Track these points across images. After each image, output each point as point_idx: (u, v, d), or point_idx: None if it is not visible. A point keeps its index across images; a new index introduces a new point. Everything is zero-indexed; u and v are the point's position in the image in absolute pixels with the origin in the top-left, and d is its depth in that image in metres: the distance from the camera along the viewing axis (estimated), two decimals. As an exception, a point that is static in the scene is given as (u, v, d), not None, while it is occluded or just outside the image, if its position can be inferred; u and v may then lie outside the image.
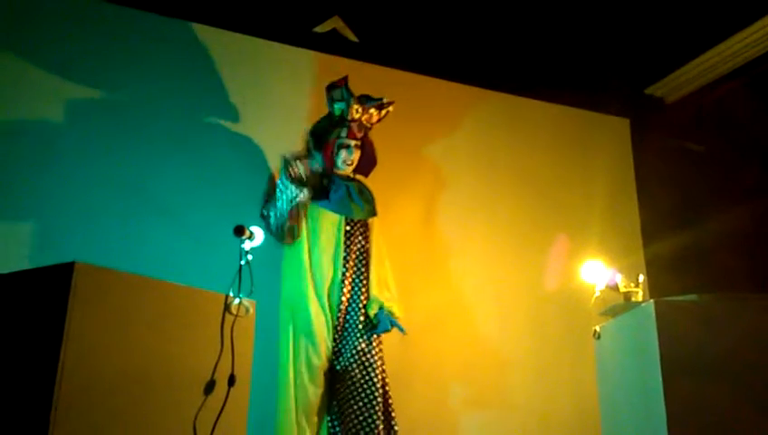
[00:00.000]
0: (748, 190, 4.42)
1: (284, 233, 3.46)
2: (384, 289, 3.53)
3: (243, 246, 2.56)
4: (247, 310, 2.50)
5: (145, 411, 2.20)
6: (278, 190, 3.47)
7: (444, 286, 4.23)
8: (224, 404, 2.34)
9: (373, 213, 3.64)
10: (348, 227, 3.55)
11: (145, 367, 2.23)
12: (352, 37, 4.38)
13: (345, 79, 3.65)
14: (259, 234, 2.61)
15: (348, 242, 3.53)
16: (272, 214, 3.49)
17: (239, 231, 2.56)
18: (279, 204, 3.45)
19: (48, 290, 2.11)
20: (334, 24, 4.32)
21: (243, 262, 2.53)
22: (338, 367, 3.40)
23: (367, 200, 3.65)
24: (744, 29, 4.40)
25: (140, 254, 3.52)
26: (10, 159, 3.58)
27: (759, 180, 4.40)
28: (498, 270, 4.42)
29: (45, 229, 3.52)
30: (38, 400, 1.98)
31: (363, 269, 3.54)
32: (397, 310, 3.52)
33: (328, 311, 3.42)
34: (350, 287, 3.48)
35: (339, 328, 3.42)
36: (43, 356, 2.02)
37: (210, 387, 2.34)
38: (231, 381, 2.39)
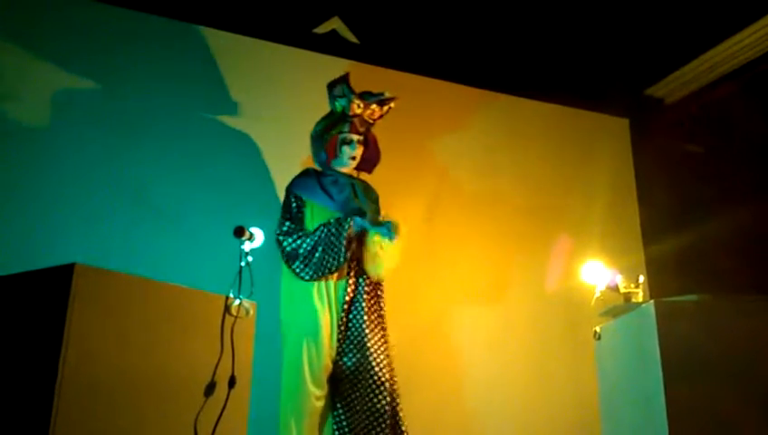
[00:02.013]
0: (748, 190, 4.42)
1: (327, 273, 3.35)
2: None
3: (243, 247, 2.56)
4: (247, 311, 2.50)
5: (145, 413, 2.20)
6: (328, 235, 3.34)
7: (445, 287, 4.23)
8: (224, 406, 2.34)
9: (377, 213, 3.60)
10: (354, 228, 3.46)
11: (145, 368, 2.23)
12: (353, 38, 4.38)
13: (346, 75, 3.63)
14: (259, 235, 2.60)
15: (354, 241, 3.45)
16: (320, 256, 3.32)
17: (239, 232, 2.56)
18: (330, 254, 3.31)
19: (48, 292, 2.10)
20: (334, 24, 4.32)
21: (243, 263, 2.53)
22: (343, 367, 3.32)
23: (372, 200, 3.63)
24: (743, 29, 4.40)
25: (140, 255, 3.52)
26: (10, 161, 3.59)
27: (759, 181, 4.40)
28: (499, 271, 4.42)
29: (45, 231, 3.52)
30: (39, 401, 1.98)
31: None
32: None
33: (334, 309, 3.36)
34: (353, 287, 3.43)
35: (343, 327, 3.36)
36: (44, 358, 2.02)
37: (211, 388, 2.34)
38: (231, 382, 2.38)
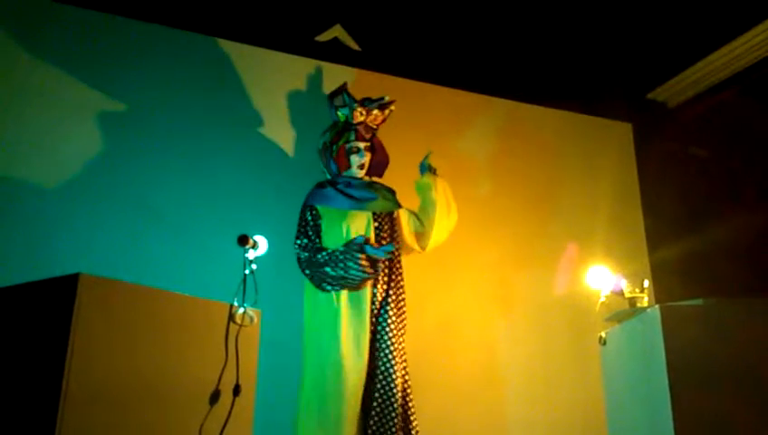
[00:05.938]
0: (752, 194, 4.41)
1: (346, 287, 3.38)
2: None
3: (247, 255, 2.56)
4: (252, 319, 2.50)
5: (150, 422, 2.20)
6: (341, 257, 3.35)
7: (450, 293, 4.22)
8: (229, 414, 2.34)
9: (398, 205, 3.64)
10: (376, 224, 3.52)
11: (150, 377, 2.23)
12: (354, 46, 4.39)
13: (345, 85, 3.67)
14: (263, 243, 2.61)
15: (378, 238, 3.49)
16: (351, 269, 3.32)
17: (243, 241, 2.56)
18: (348, 274, 3.33)
19: (53, 301, 2.11)
20: (336, 32, 4.33)
21: (247, 271, 2.53)
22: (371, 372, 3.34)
23: (391, 192, 3.66)
24: (745, 32, 4.40)
25: (144, 264, 3.52)
26: (15, 172, 3.59)
27: (763, 184, 4.39)
28: (503, 276, 4.41)
29: (50, 241, 3.52)
30: (43, 411, 1.98)
31: (395, 261, 3.52)
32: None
33: (365, 309, 3.37)
34: (382, 283, 3.45)
35: (372, 327, 3.37)
36: (49, 367, 2.03)
37: (215, 397, 2.34)
38: (236, 390, 2.39)
